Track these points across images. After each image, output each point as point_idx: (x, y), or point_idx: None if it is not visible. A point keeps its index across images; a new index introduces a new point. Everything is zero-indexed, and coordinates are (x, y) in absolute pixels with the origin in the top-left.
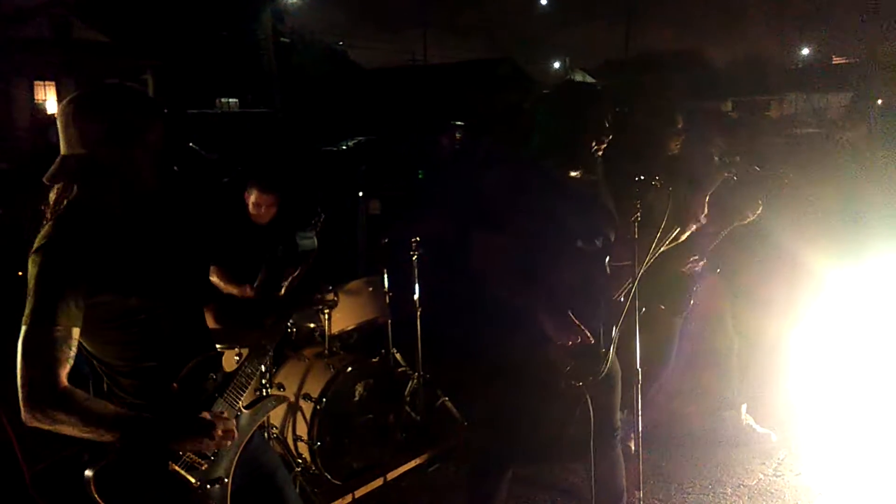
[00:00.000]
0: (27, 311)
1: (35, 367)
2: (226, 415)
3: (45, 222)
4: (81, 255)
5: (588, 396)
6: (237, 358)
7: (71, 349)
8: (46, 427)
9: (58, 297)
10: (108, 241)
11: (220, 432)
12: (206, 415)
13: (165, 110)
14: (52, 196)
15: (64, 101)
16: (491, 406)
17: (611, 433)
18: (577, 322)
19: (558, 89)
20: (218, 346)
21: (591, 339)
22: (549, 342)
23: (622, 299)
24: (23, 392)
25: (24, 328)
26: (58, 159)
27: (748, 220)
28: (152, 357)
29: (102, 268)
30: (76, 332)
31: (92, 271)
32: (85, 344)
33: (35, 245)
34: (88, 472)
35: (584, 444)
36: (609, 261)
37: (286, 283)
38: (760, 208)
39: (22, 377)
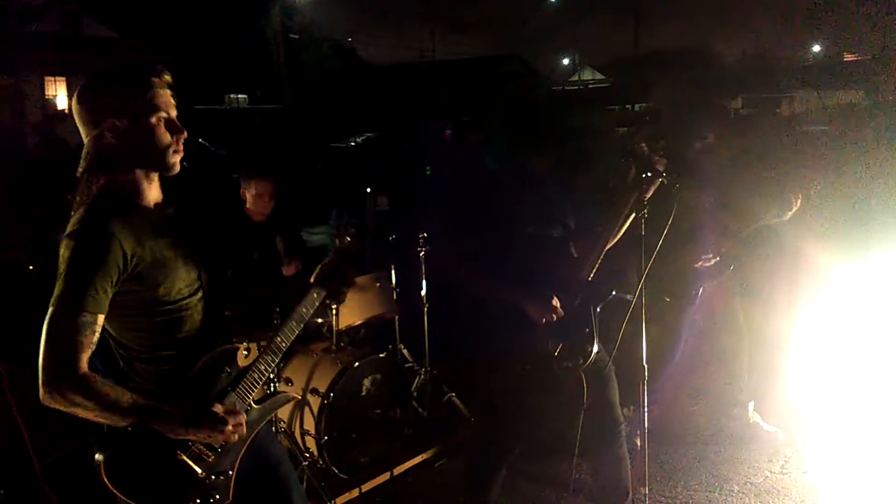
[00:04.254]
0: (56, 294)
1: (57, 350)
2: (237, 409)
3: (74, 209)
4: (113, 243)
5: (583, 377)
6: (245, 353)
7: (94, 335)
8: (63, 409)
9: (87, 283)
10: (137, 230)
11: (230, 427)
12: (220, 408)
13: (166, 73)
14: (81, 185)
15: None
16: (490, 400)
17: (614, 428)
18: (551, 295)
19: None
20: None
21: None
22: (536, 329)
23: (592, 278)
24: (43, 373)
25: (51, 310)
26: (83, 150)
27: (787, 216)
28: (173, 346)
29: (132, 256)
30: (101, 318)
31: (122, 259)
32: (108, 327)
33: (68, 230)
34: (98, 456)
35: (587, 440)
36: (573, 246)
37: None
38: (798, 204)
39: (44, 358)
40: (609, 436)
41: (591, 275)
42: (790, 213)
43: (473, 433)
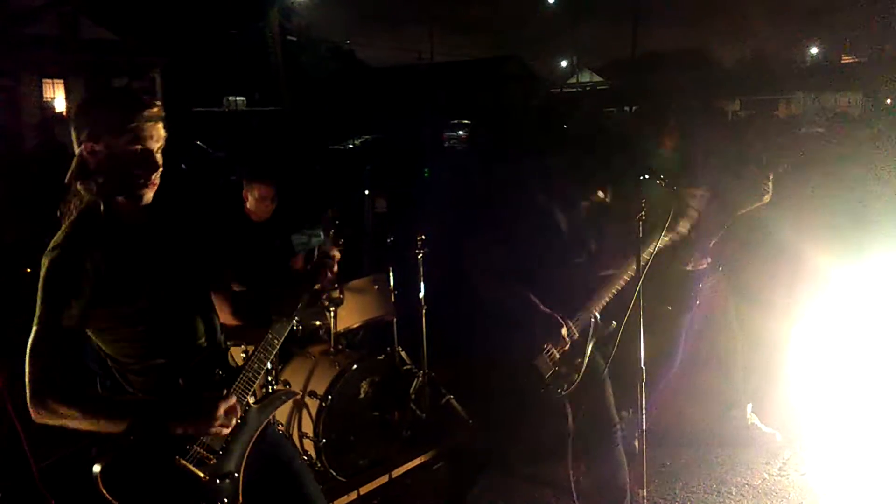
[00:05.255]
0: (36, 314)
1: (40, 367)
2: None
3: (62, 224)
4: (89, 261)
5: (568, 404)
6: (244, 354)
7: (76, 349)
8: (53, 423)
9: (64, 300)
10: (117, 246)
11: (222, 411)
12: (208, 394)
13: (155, 106)
14: (68, 197)
15: None
16: (488, 404)
17: (609, 430)
18: (564, 323)
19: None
20: (227, 342)
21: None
22: (537, 348)
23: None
24: (28, 390)
25: (33, 328)
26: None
27: (765, 199)
28: (160, 354)
29: (109, 274)
30: (81, 333)
31: (99, 277)
32: (95, 340)
33: (49, 246)
34: (96, 468)
35: (584, 442)
36: (591, 273)
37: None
38: (770, 184)
39: (28, 376)
40: (605, 437)
41: (599, 308)
42: (767, 196)
43: (473, 437)
